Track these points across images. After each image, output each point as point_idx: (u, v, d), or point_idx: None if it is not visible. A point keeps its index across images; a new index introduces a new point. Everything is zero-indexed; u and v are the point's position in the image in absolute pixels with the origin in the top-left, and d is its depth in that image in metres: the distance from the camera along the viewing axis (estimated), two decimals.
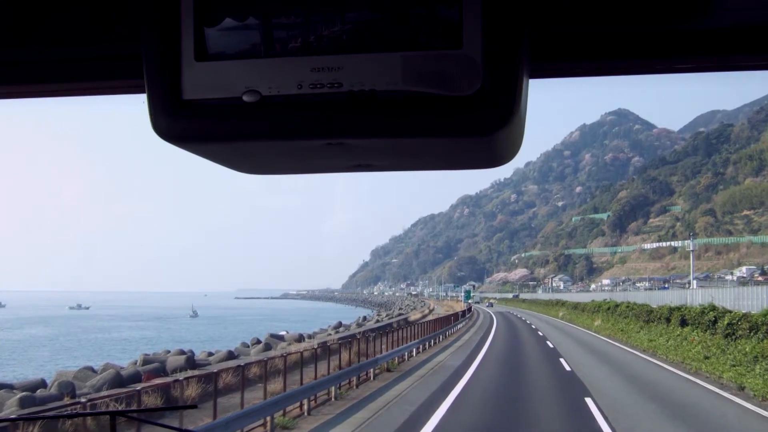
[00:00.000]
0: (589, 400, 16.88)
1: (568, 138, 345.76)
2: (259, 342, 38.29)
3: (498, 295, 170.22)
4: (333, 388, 17.17)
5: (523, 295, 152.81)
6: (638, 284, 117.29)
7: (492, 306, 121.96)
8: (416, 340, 30.23)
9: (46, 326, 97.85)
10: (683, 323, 30.82)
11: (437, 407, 15.85)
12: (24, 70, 1.27)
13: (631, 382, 21.07)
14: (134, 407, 11.51)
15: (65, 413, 11.50)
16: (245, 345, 39.04)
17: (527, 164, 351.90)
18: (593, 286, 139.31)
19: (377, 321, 61.57)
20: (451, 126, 0.97)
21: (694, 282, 75.09)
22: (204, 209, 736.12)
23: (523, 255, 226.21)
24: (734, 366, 21.68)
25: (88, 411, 10.18)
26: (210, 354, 32.29)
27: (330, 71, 0.97)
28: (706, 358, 24.44)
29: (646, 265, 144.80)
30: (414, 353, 28.42)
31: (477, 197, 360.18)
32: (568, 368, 24.38)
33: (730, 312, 26.89)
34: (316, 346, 21.99)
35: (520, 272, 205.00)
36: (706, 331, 27.33)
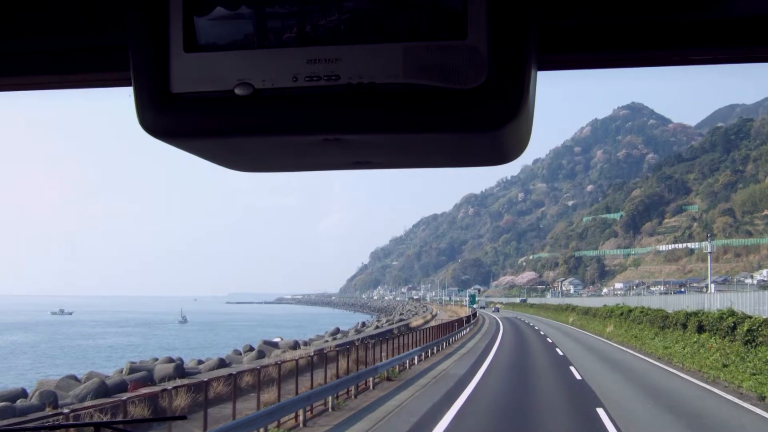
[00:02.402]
0: (601, 411, 16.87)
1: (579, 133, 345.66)
2: (252, 349, 38.27)
3: (504, 300, 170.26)
4: (330, 398, 17.17)
5: (531, 300, 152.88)
6: (653, 288, 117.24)
7: (498, 311, 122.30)
8: (418, 348, 30.23)
9: (27, 332, 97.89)
10: (700, 329, 30.79)
11: (440, 419, 15.83)
12: (3, 62, 1.27)
13: (645, 392, 21.06)
14: (120, 418, 11.51)
15: (47, 425, 11.49)
16: (237, 352, 39.03)
17: (535, 161, 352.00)
18: (605, 290, 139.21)
19: (377, 327, 61.56)
20: (454, 121, 0.97)
21: (712, 286, 75.02)
22: (194, 209, 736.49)
23: (531, 257, 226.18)
24: (754, 375, 21.66)
25: (71, 422, 10.18)
26: (200, 362, 32.29)
27: (327, 63, 0.97)
28: (725, 366, 24.42)
29: (661, 268, 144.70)
30: (416, 361, 28.42)
31: (482, 196, 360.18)
32: (578, 377, 24.38)
33: (750, 317, 26.84)
34: (312, 354, 21.99)
35: (528, 275, 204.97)
36: (724, 337, 27.30)
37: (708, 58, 1.18)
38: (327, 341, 42.72)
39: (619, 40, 1.13)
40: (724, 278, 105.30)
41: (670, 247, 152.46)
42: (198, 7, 1.00)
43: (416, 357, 28.75)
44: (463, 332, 50.94)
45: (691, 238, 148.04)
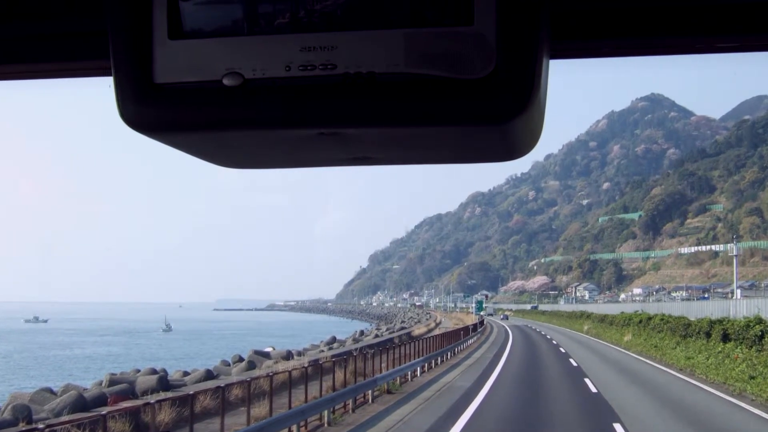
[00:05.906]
0: (618, 426, 16.89)
1: (594, 127, 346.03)
2: (241, 360, 38.34)
3: (514, 306, 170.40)
4: (326, 412, 17.18)
5: (542, 306, 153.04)
6: (674, 294, 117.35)
7: (507, 319, 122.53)
8: (421, 358, 30.25)
9: None
10: (725, 338, 30.81)
11: None
12: None
13: (665, 406, 21.08)
14: None
15: None
16: (226, 363, 39.10)
17: (547, 157, 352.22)
18: (623, 296, 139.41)
19: (376, 336, 61.67)
20: (460, 113, 0.97)
21: (738, 291, 75.05)
22: (180, 209, 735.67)
23: (542, 260, 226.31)
24: None
25: None
26: (185, 373, 32.34)
27: (322, 51, 0.97)
28: (752, 378, 24.44)
29: (683, 272, 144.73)
30: (418, 372, 28.45)
31: (490, 195, 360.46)
32: (594, 389, 24.40)
33: None
34: (306, 365, 21.99)
35: (540, 280, 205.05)
36: (751, 347, 27.32)
37: (734, 46, 1.17)
38: (322, 351, 42.77)
39: (638, 26, 1.13)
40: (751, 283, 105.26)
41: (693, 249, 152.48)
42: None
43: (419, 368, 28.77)
44: (470, 341, 51.05)
45: (715, 239, 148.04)
